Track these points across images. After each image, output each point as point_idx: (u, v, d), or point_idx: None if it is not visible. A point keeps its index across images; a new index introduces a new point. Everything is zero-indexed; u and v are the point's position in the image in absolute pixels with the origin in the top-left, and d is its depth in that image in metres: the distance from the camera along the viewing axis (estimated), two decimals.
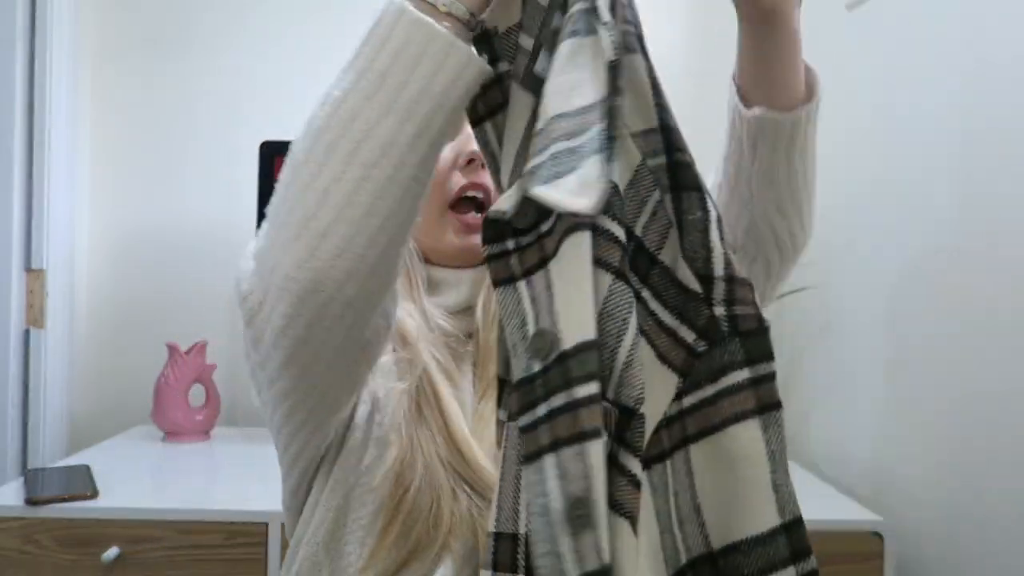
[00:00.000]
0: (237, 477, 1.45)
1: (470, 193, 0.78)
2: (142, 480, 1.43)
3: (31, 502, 1.23)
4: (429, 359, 0.75)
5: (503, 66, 0.57)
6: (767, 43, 0.63)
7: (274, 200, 0.56)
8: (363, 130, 0.52)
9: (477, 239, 0.78)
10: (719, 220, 0.53)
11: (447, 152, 0.77)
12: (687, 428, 0.52)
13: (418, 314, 0.77)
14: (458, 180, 0.78)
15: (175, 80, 1.84)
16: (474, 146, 0.75)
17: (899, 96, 1.28)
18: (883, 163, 1.32)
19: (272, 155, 1.58)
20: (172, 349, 1.65)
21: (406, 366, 0.74)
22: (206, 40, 1.85)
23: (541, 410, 0.48)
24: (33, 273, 1.69)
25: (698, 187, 0.53)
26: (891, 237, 1.28)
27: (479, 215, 0.79)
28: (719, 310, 0.52)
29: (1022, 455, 1.00)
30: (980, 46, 1.10)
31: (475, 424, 0.76)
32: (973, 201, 1.11)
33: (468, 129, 0.75)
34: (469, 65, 0.53)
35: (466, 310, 0.81)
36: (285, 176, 0.55)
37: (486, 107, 0.57)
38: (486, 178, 0.77)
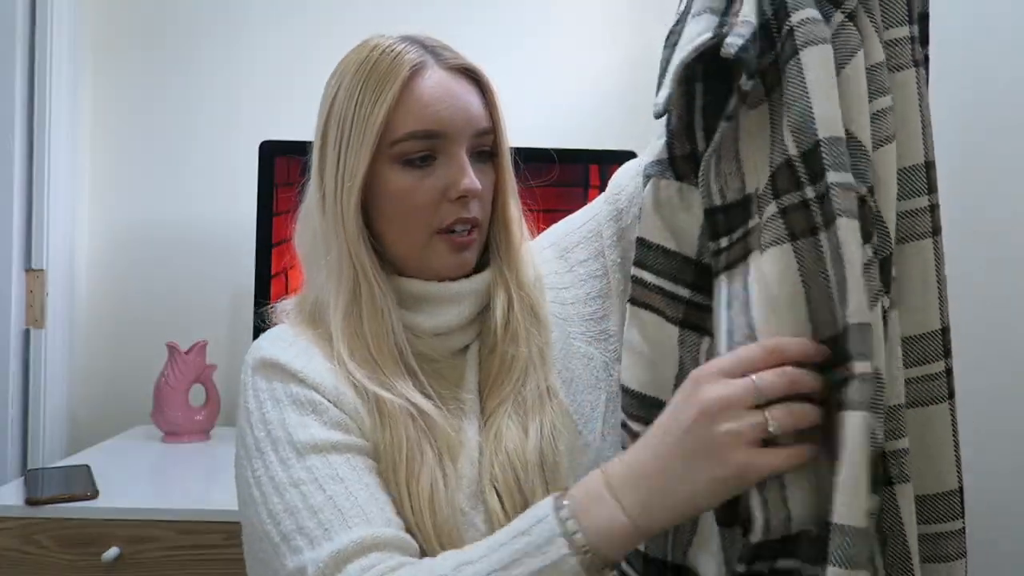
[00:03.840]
0: None
1: (459, 227, 0.77)
2: (142, 480, 1.43)
3: (31, 502, 1.23)
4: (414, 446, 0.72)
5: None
6: None
7: None
8: None
9: (468, 255, 0.78)
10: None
11: (434, 182, 0.76)
12: None
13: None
14: (448, 211, 0.76)
15: (175, 80, 1.84)
16: (467, 182, 0.75)
17: None
18: None
19: (272, 155, 1.58)
20: (172, 349, 1.65)
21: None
22: (206, 40, 1.84)
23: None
24: (33, 273, 1.69)
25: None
26: None
27: (470, 233, 0.78)
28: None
29: (1022, 454, 1.00)
30: (980, 47, 1.10)
31: (487, 440, 0.75)
32: (972, 206, 1.11)
33: (461, 161, 0.75)
34: None
35: (468, 323, 0.79)
36: None
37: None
38: (476, 211, 0.77)
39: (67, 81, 1.73)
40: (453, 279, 0.79)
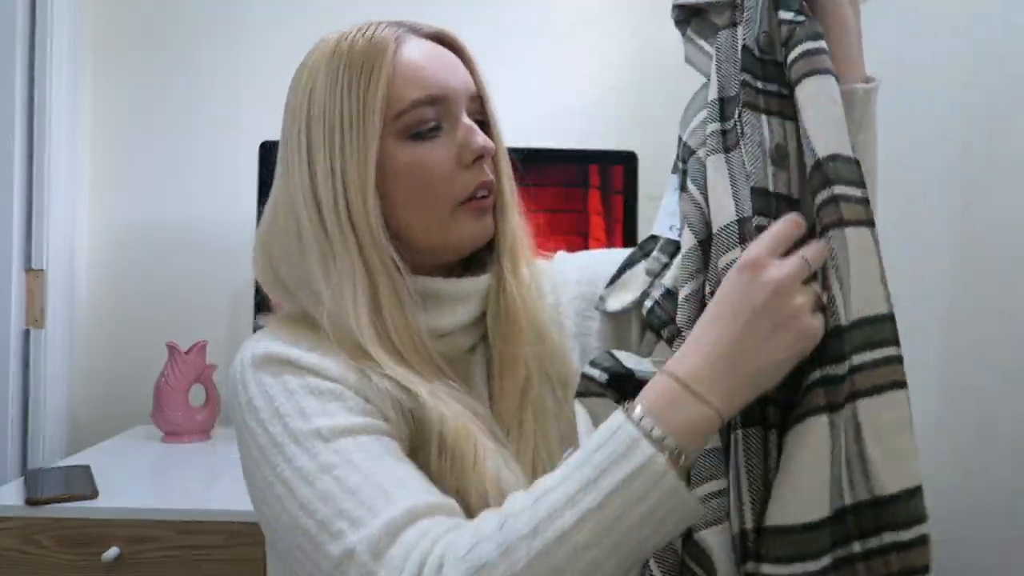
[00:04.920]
0: (237, 477, 1.42)
1: (480, 192, 0.74)
2: (142, 480, 1.43)
3: (31, 502, 1.23)
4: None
5: None
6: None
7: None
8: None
9: (487, 218, 0.75)
10: None
11: (446, 150, 0.72)
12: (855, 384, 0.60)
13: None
14: (467, 179, 0.73)
15: (175, 80, 1.84)
16: (480, 140, 0.72)
17: (900, 100, 1.28)
18: (882, 174, 1.32)
19: (272, 155, 1.58)
20: (172, 349, 1.65)
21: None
22: (206, 40, 1.85)
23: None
24: (33, 273, 1.69)
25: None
26: (889, 240, 1.28)
27: (487, 197, 0.75)
28: None
29: (1019, 453, 1.00)
30: (981, 48, 1.10)
31: (516, 443, 0.73)
32: (972, 208, 1.11)
33: (467, 123, 0.72)
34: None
35: (473, 324, 0.77)
36: None
37: None
38: (491, 173, 0.75)
39: (67, 81, 1.73)
40: (465, 271, 0.78)
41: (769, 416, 0.62)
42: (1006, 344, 1.03)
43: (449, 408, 0.68)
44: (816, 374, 0.59)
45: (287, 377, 0.67)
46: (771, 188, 0.64)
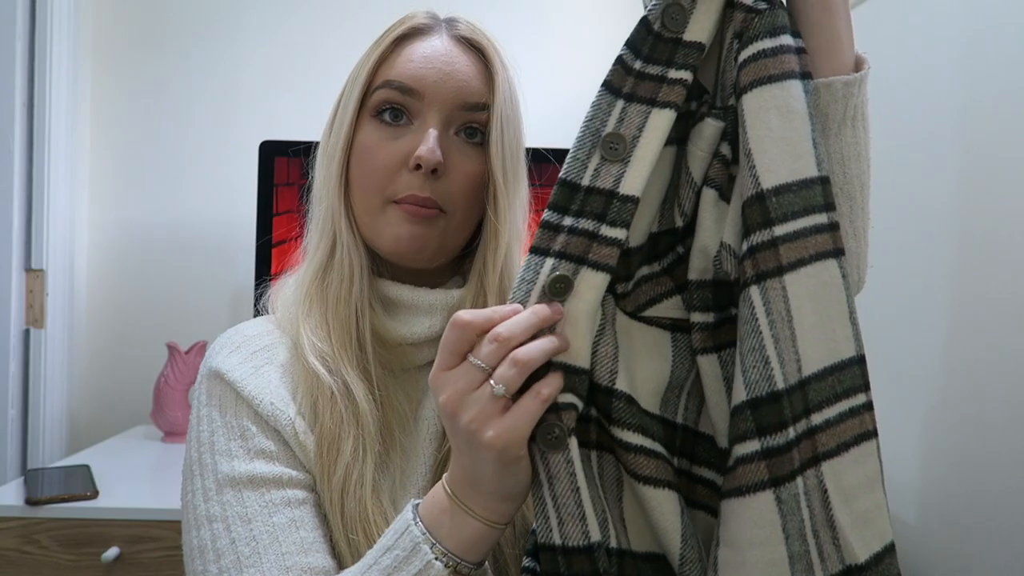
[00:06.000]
0: None
1: (412, 203, 0.71)
2: (142, 480, 1.43)
3: (31, 502, 1.23)
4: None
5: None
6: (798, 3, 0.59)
7: None
8: None
9: (425, 230, 0.71)
10: None
11: (400, 146, 0.71)
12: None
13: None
14: (404, 183, 0.70)
15: (175, 80, 1.85)
16: (422, 149, 0.69)
17: (902, 101, 1.28)
18: (886, 175, 1.32)
19: (272, 155, 1.58)
20: (172, 349, 1.65)
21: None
22: (206, 40, 1.85)
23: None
24: (33, 273, 1.69)
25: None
26: (887, 239, 1.28)
27: (430, 209, 0.71)
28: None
29: (1018, 455, 1.00)
30: (980, 47, 1.10)
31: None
32: (975, 209, 1.11)
33: (428, 128, 0.70)
34: None
35: (439, 337, 0.73)
36: None
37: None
38: (435, 192, 0.70)
39: (67, 81, 1.73)
40: (412, 269, 0.74)
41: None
42: (1008, 345, 1.03)
43: (322, 408, 0.68)
44: (754, 446, 0.51)
45: (214, 401, 0.71)
46: (584, 182, 0.55)
